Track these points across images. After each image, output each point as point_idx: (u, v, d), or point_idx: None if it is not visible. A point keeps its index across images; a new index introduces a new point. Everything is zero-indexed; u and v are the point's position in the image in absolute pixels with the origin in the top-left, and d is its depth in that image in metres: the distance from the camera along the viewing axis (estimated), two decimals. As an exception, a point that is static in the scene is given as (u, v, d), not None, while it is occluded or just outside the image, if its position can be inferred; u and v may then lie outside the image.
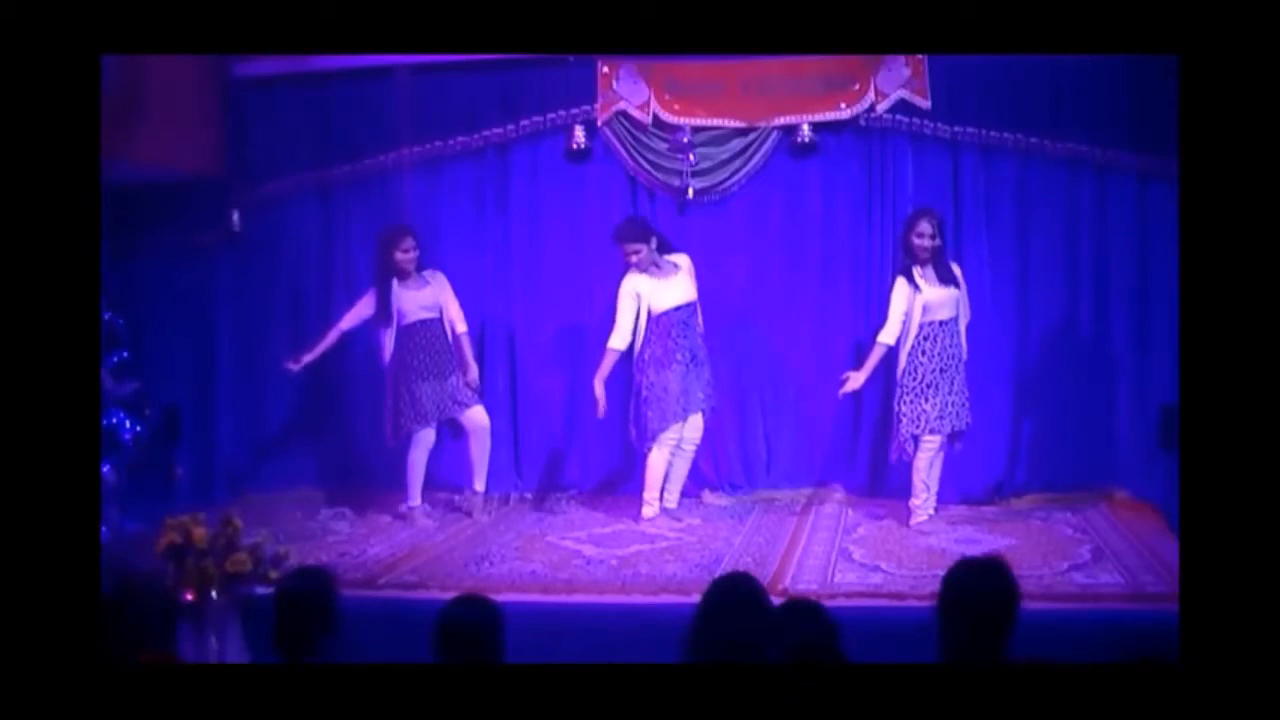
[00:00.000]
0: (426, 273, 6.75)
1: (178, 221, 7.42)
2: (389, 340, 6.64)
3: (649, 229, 6.53)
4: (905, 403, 6.13)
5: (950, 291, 6.16)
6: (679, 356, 6.47)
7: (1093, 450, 6.91)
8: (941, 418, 6.11)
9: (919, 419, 6.10)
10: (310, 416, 7.57)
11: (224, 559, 4.91)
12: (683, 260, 6.56)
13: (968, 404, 6.21)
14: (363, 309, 6.71)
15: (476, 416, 6.73)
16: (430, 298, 6.70)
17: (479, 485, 6.81)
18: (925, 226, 6.11)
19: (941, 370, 6.11)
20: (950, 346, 6.16)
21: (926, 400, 6.08)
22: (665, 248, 6.54)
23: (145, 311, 7.29)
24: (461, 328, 6.77)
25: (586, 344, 7.32)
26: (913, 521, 6.20)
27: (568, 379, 7.37)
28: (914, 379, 6.12)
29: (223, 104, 7.32)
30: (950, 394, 6.12)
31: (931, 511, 6.25)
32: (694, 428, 6.57)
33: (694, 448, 6.65)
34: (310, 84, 7.27)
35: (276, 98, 7.35)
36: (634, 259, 6.43)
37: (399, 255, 6.58)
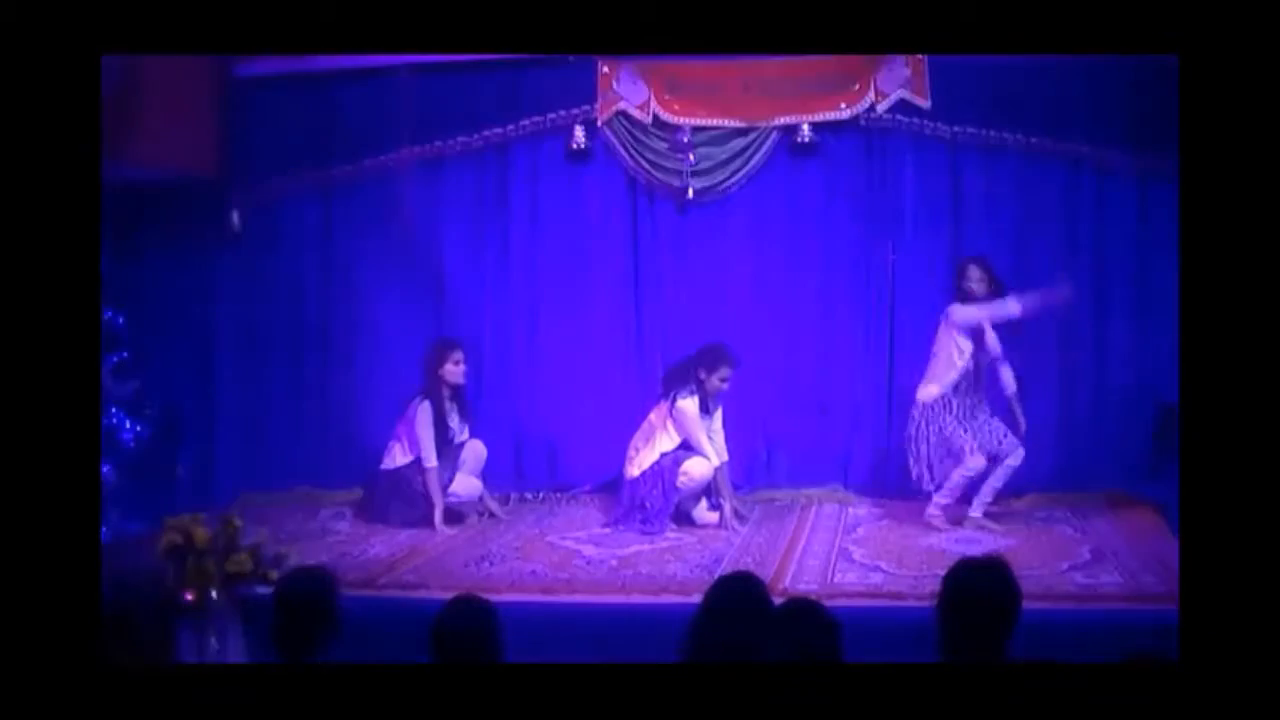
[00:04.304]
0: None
1: (178, 221, 7.42)
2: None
3: None
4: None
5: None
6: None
7: (1093, 450, 6.91)
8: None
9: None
10: (310, 416, 7.56)
11: (224, 559, 4.93)
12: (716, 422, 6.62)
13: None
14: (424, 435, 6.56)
15: (476, 449, 6.78)
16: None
17: (487, 499, 6.84)
18: (975, 271, 6.21)
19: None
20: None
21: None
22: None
23: (145, 311, 7.27)
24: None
25: (586, 343, 7.32)
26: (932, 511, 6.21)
27: (568, 378, 7.36)
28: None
29: (223, 104, 7.32)
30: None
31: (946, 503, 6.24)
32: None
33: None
34: (310, 84, 7.26)
35: (276, 97, 7.34)
36: (721, 384, 6.47)
37: (450, 367, 6.60)
